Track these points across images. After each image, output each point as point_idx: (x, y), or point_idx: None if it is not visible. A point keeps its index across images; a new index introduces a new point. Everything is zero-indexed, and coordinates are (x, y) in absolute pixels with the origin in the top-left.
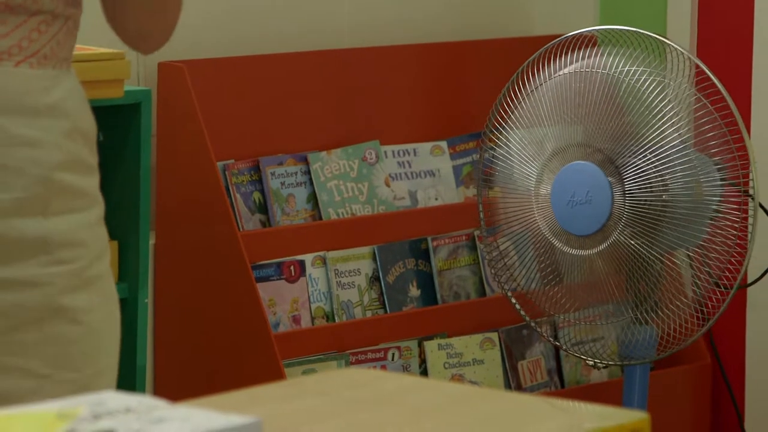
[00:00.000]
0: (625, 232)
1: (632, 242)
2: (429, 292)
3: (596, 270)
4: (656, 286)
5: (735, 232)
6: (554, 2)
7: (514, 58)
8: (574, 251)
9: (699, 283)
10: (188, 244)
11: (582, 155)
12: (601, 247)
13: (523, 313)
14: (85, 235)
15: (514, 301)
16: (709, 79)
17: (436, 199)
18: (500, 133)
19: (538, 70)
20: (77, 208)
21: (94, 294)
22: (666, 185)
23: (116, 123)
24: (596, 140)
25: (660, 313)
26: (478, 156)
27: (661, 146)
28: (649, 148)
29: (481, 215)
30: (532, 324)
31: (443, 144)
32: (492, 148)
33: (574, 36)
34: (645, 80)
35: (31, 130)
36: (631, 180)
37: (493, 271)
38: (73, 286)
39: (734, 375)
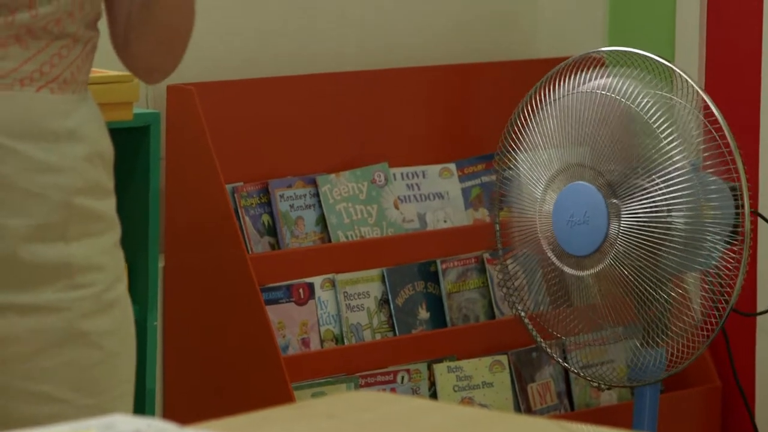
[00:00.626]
0: (622, 255)
1: (631, 265)
2: (438, 315)
3: (600, 292)
4: (662, 308)
5: (735, 255)
6: (561, 24)
7: (522, 79)
8: (575, 272)
9: (703, 308)
10: (197, 267)
11: (585, 176)
12: (599, 268)
13: (535, 333)
14: (103, 259)
15: (527, 321)
16: (715, 102)
17: (445, 221)
18: (511, 155)
19: (547, 92)
20: (96, 232)
21: (113, 318)
22: (668, 208)
23: (125, 146)
24: (600, 162)
25: (668, 334)
26: (492, 178)
27: (665, 169)
28: (652, 171)
29: (498, 236)
30: (543, 345)
31: (452, 166)
32: (503, 170)
33: (581, 57)
34: (652, 103)
35: (52, 155)
36: (631, 202)
37: (504, 291)
38: (92, 310)
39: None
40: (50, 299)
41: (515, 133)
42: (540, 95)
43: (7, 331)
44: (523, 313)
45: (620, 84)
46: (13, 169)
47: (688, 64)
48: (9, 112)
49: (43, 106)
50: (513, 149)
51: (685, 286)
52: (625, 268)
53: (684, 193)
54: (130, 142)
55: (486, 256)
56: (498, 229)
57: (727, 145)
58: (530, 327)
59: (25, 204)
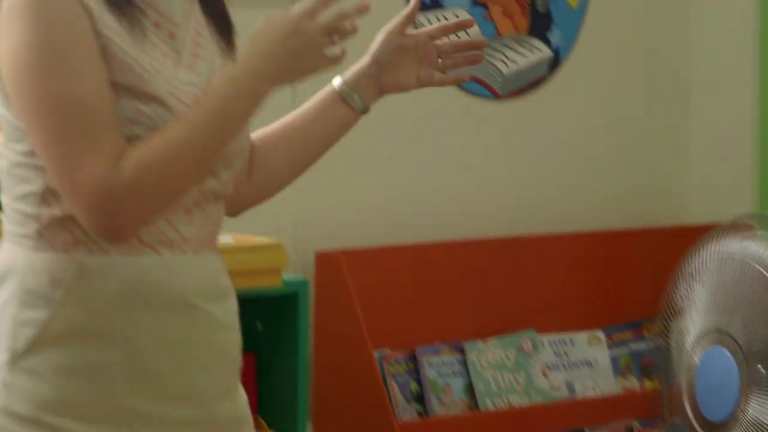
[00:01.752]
0: (757, 426)
1: None
2: None
3: None
4: None
5: None
6: (712, 190)
7: (672, 246)
8: None
9: None
10: None
11: (725, 342)
12: None
13: None
14: (246, 411)
15: None
16: None
17: (594, 389)
18: (666, 322)
19: (696, 259)
20: (238, 383)
21: None
22: None
23: (275, 312)
24: (740, 329)
25: None
26: (642, 345)
27: None
28: None
29: (666, 404)
30: None
31: (600, 334)
32: (659, 338)
33: (730, 223)
34: None
35: (226, 314)
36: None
37: None
38: None
39: None
40: None
41: (669, 301)
42: (691, 262)
43: None
44: None
45: (765, 252)
46: (205, 330)
47: None
48: (199, 275)
49: (215, 266)
50: (667, 317)
51: None
52: None
53: None
54: (279, 309)
55: (636, 425)
56: (666, 396)
57: None
58: None
59: (215, 363)
